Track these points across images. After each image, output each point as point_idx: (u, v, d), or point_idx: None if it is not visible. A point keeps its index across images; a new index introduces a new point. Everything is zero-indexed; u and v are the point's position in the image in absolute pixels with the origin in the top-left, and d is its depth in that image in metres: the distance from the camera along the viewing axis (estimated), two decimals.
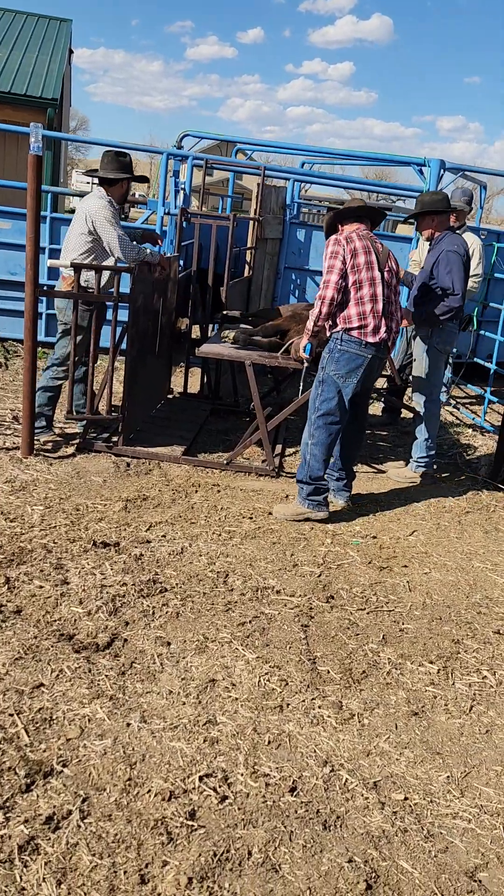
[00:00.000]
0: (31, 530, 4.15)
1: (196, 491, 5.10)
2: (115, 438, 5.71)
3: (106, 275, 5.31)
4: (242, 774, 2.53)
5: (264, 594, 3.78)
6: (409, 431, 6.91)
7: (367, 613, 3.72)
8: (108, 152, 5.54)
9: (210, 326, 7.37)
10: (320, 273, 9.10)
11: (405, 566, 4.30)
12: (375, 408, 7.69)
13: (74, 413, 5.54)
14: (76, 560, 3.89)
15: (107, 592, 3.58)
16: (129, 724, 2.71)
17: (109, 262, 5.33)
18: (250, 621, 3.50)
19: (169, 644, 3.24)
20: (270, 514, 4.82)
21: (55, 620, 3.30)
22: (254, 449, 6.04)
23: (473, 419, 7.68)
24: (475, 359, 8.19)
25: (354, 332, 4.52)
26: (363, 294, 4.48)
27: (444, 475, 6.00)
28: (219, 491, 5.15)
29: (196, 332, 7.52)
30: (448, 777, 2.65)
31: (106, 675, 2.97)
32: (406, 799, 2.52)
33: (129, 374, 5.51)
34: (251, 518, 4.73)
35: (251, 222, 8.43)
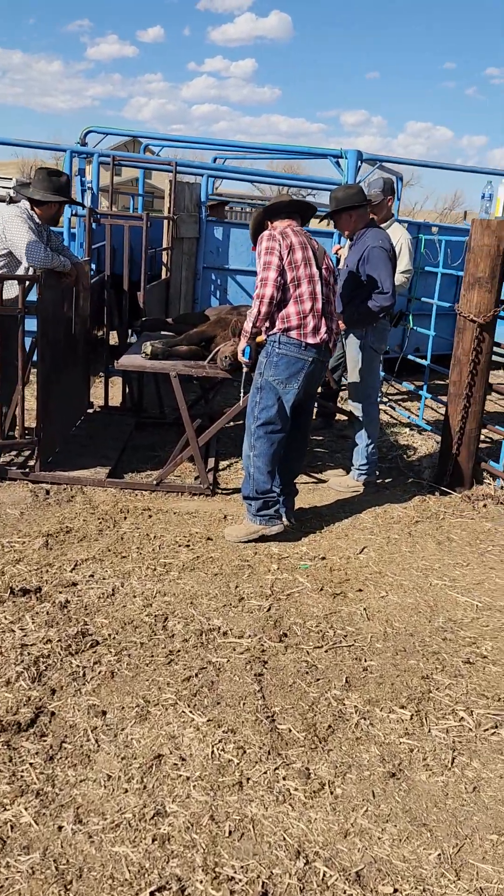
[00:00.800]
0: None
1: (125, 518, 4.64)
2: (31, 463, 5.18)
3: (13, 286, 4.79)
4: (202, 882, 2.11)
5: (209, 638, 3.36)
6: (346, 436, 6.61)
7: (326, 651, 3.34)
8: (40, 169, 5.08)
9: (129, 333, 6.89)
10: (241, 273, 8.76)
11: (360, 590, 3.95)
12: None
13: None
14: None
15: (28, 653, 3.10)
16: (60, 828, 2.25)
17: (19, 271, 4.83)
18: (196, 674, 3.07)
19: (104, 713, 2.79)
20: (209, 539, 4.40)
21: None
22: (185, 465, 5.60)
23: (409, 418, 7.42)
24: (409, 355, 7.93)
25: (294, 333, 4.15)
26: (302, 292, 4.12)
27: (386, 481, 5.69)
28: (150, 516, 4.70)
29: (114, 339, 7.04)
30: (440, 855, 2.29)
31: (31, 764, 2.50)
32: (396, 892, 2.14)
33: (42, 390, 5.00)
34: (188, 546, 4.29)
35: (165, 222, 7.98)
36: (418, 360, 7.50)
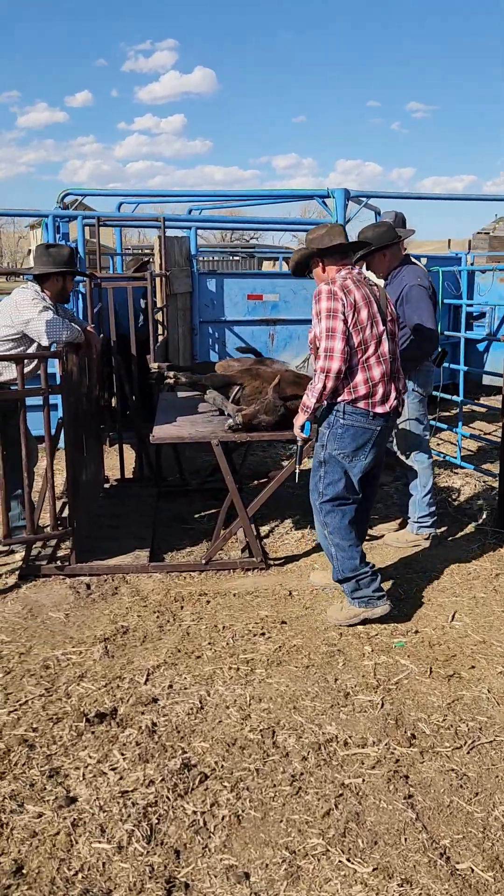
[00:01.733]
0: (2, 708, 3.11)
1: (182, 607, 4.15)
2: (60, 553, 4.68)
3: (10, 369, 4.37)
4: None
5: (331, 752, 2.88)
6: (381, 483, 6.20)
7: (468, 753, 2.88)
8: (39, 245, 4.69)
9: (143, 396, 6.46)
10: (238, 324, 8.41)
11: (472, 667, 3.50)
12: None
13: (11, 536, 4.48)
14: (71, 753, 2.88)
15: (132, 803, 2.59)
16: None
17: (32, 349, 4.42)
18: (336, 806, 2.59)
19: (247, 876, 2.29)
20: (284, 623, 3.93)
21: (76, 874, 2.29)
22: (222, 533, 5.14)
23: (444, 457, 7.05)
24: (437, 392, 7.60)
25: (361, 404, 3.72)
26: (369, 356, 3.68)
27: (442, 529, 5.27)
28: (208, 601, 4.22)
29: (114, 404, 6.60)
30: None
31: None
32: None
33: (71, 475, 4.53)
34: (264, 634, 3.82)
35: (158, 279, 7.61)
36: (448, 397, 7.16)
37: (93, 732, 3.02)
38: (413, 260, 4.89)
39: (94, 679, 3.42)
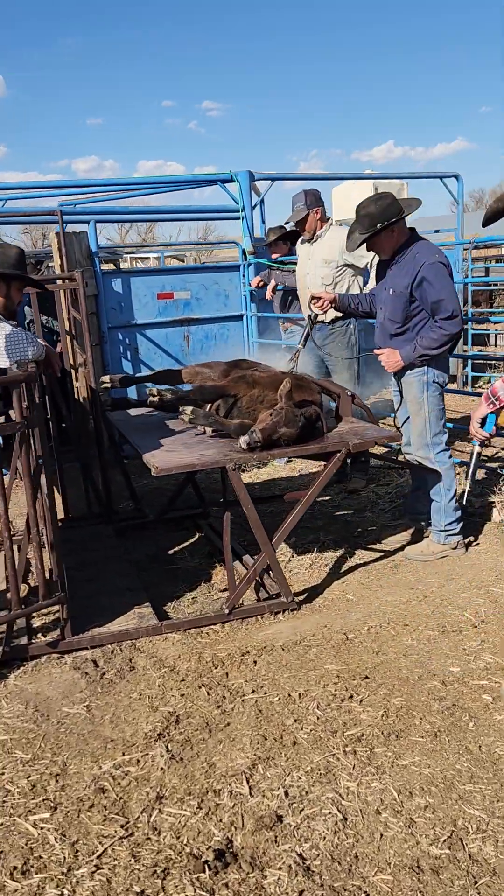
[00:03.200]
0: (78, 869, 2.23)
1: (227, 674, 3.38)
2: (35, 622, 3.74)
3: None
4: None
5: None
6: (356, 490, 5.65)
7: None
8: None
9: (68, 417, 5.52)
10: (150, 326, 7.55)
11: None
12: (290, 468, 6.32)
13: None
14: None
15: None
16: None
17: None
18: None
19: None
20: (366, 678, 3.25)
21: None
22: (219, 571, 4.38)
23: None
24: None
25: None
26: None
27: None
28: (255, 662, 3.47)
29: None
30: None
31: None
32: None
33: (54, 522, 3.60)
34: (352, 697, 3.12)
35: (59, 282, 6.62)
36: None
37: (226, 884, 2.21)
38: (421, 237, 4.32)
39: (179, 799, 2.59)
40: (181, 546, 4.96)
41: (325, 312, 4.88)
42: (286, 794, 2.58)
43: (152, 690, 3.29)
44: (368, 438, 3.92)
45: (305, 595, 4.14)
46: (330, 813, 2.47)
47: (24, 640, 3.64)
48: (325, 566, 4.50)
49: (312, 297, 4.64)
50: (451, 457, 4.42)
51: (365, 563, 4.50)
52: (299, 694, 3.16)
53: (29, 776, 2.78)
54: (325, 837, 2.37)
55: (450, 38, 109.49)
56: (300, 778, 2.65)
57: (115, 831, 2.47)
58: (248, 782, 2.65)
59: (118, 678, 3.41)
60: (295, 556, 4.67)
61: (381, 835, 2.37)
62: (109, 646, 3.66)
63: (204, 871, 2.25)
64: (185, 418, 4.00)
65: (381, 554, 4.62)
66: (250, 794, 2.59)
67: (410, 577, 4.28)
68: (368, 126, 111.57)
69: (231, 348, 7.96)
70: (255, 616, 3.91)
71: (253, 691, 3.21)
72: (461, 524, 4.46)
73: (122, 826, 2.49)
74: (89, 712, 3.16)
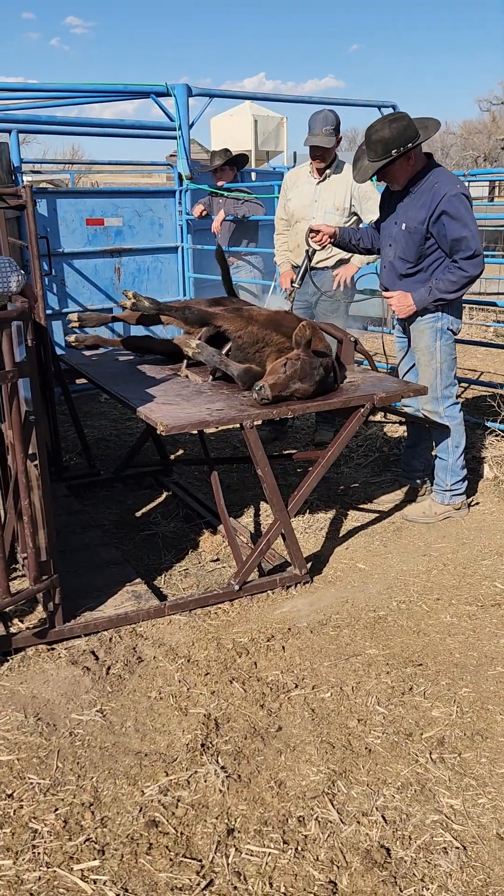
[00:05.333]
0: None
1: (255, 664, 2.93)
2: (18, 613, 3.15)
3: None
4: None
5: None
6: (322, 442, 5.26)
7: None
8: None
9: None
10: (78, 256, 6.74)
11: None
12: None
13: None
14: None
15: None
16: None
17: None
18: None
19: None
20: (419, 665, 2.89)
21: None
22: (215, 541, 3.91)
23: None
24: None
25: None
26: None
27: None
28: (283, 648, 3.04)
29: None
30: None
31: None
32: None
33: (46, 495, 2.98)
34: (412, 689, 2.76)
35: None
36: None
37: None
38: (438, 164, 3.86)
39: (256, 831, 2.15)
40: (149, 508, 4.41)
41: (324, 248, 4.36)
42: (384, 819, 2.18)
43: (173, 687, 2.80)
44: (394, 391, 3.50)
45: (310, 564, 3.72)
46: (446, 842, 2.10)
47: (1, 630, 3.05)
48: (320, 530, 4.10)
49: (311, 231, 4.11)
50: (461, 411, 4.07)
51: (364, 526, 4.13)
52: (352, 688, 2.77)
53: (56, 808, 2.25)
54: (451, 875, 2.00)
55: None
56: (393, 797, 2.27)
57: (191, 879, 2.00)
58: (333, 805, 2.23)
59: (127, 673, 2.90)
60: None
61: None
62: (106, 633, 3.12)
63: None
64: (188, 351, 3.44)
65: (378, 515, 4.26)
66: (341, 821, 2.18)
67: (418, 541, 3.94)
68: (239, 57, 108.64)
69: (166, 284, 7.31)
70: (265, 591, 3.46)
71: (296, 686, 2.79)
72: (466, 483, 4.15)
73: (196, 872, 2.03)
74: (105, 719, 2.64)
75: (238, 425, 3.20)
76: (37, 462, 2.80)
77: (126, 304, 3.75)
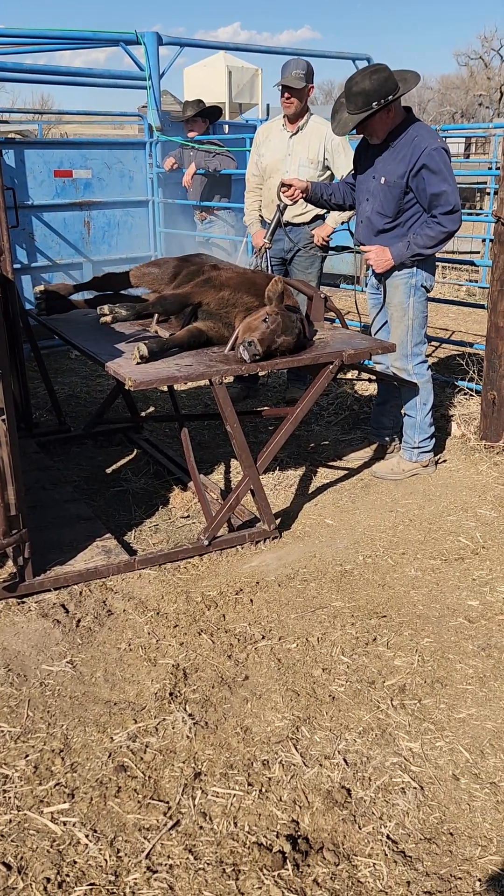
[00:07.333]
0: (127, 875, 1.84)
1: (224, 616, 3.00)
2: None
3: None
4: None
5: None
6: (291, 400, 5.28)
7: None
8: None
9: None
10: (48, 209, 6.63)
11: None
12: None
13: None
14: None
15: None
16: None
17: None
18: None
19: None
20: (383, 616, 2.96)
21: None
22: (185, 498, 3.95)
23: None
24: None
25: None
26: None
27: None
28: (251, 601, 3.10)
29: None
30: None
31: None
32: None
33: (14, 451, 2.99)
34: (376, 639, 2.83)
35: None
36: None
37: (315, 881, 1.89)
38: (417, 118, 3.83)
39: (222, 774, 2.23)
40: (119, 464, 4.43)
41: (295, 203, 4.34)
42: (346, 762, 2.27)
43: (142, 639, 2.85)
44: (363, 348, 3.52)
45: (279, 520, 3.77)
46: (404, 782, 2.19)
47: None
48: (290, 486, 4.14)
49: (282, 185, 4.08)
50: (429, 369, 4.11)
51: (332, 483, 4.19)
52: (317, 638, 2.84)
53: (27, 755, 2.30)
54: (408, 813, 2.09)
55: None
56: (355, 741, 2.35)
57: (158, 820, 2.07)
58: (296, 749, 2.31)
59: (97, 625, 2.94)
60: None
61: (469, 805, 2.12)
62: (76, 587, 3.16)
63: (285, 866, 1.92)
64: (141, 354, 3.32)
65: (347, 472, 4.32)
66: (304, 763, 2.26)
67: (385, 497, 4.01)
68: (215, 5, 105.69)
69: (136, 238, 7.22)
70: (234, 546, 3.51)
71: (263, 637, 2.85)
72: (434, 441, 4.21)
73: (164, 814, 2.09)
74: (75, 669, 2.69)
75: (207, 381, 3.21)
76: (4, 417, 2.78)
77: (107, 319, 3.74)
